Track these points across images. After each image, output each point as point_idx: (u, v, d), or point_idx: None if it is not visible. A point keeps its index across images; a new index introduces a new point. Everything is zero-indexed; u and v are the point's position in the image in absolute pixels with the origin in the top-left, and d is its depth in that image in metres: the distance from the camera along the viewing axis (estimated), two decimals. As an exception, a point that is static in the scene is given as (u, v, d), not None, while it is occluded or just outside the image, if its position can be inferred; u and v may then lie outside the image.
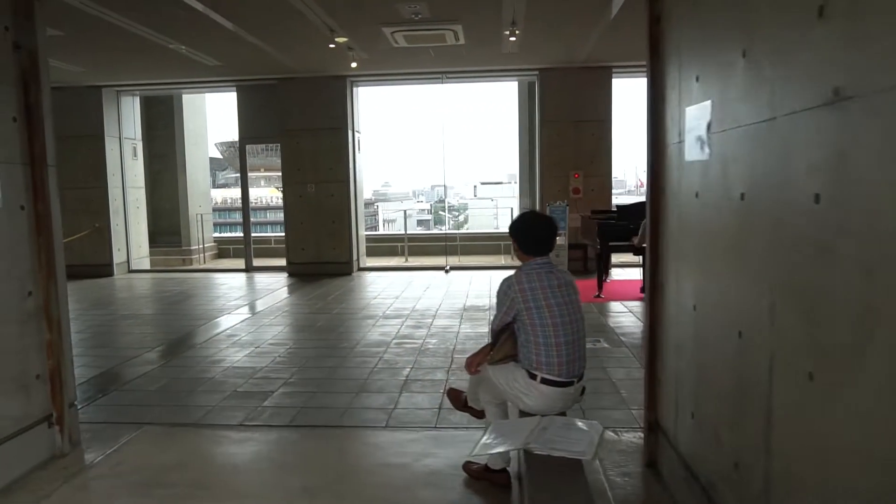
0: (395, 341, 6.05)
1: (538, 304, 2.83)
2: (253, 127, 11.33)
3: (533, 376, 2.82)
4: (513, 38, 7.75)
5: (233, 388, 4.72)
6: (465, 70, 10.72)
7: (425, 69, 10.57)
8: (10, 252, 3.27)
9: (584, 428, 2.64)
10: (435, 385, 4.69)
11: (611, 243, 7.89)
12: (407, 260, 13.54)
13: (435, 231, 15.89)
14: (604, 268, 8.25)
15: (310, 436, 3.83)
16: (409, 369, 5.12)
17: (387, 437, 3.78)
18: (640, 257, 8.27)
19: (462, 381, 4.62)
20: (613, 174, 10.74)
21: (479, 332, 6.37)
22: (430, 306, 7.78)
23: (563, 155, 10.52)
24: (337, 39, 7.76)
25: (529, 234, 3.01)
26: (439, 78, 10.90)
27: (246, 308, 8.08)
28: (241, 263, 12.25)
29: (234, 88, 11.23)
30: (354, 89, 11.10)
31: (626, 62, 10.19)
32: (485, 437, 2.70)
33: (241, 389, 4.69)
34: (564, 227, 7.53)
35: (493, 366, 2.99)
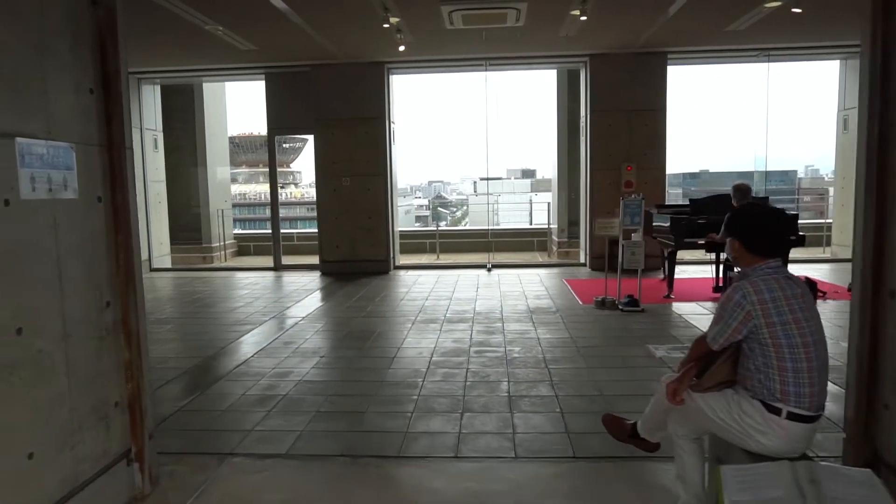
0: (473, 349, 5.46)
1: (783, 318, 2.23)
2: (283, 117, 10.70)
3: (775, 410, 2.22)
4: (583, 18, 7.14)
5: (314, 407, 4.13)
6: (511, 56, 10.11)
7: (469, 55, 9.95)
8: (87, 253, 2.66)
9: (859, 478, 2.05)
10: (546, 403, 4.10)
11: (686, 240, 7.30)
12: (438, 257, 12.96)
13: (465, 227, 15.27)
14: (673, 266, 7.66)
15: (437, 470, 3.22)
16: (506, 383, 4.53)
17: (525, 470, 3.18)
18: (713, 254, 7.69)
19: (576, 397, 4.09)
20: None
21: (561, 337, 5.79)
22: (490, 308, 7.19)
23: (614, 146, 9.93)
24: (391, 19, 7.13)
25: (760, 231, 2.40)
26: (482, 65, 10.28)
27: (291, 310, 7.47)
28: (265, 261, 11.64)
29: (263, 76, 10.59)
30: (391, 77, 10.49)
31: (682, 47, 9.59)
32: (727, 494, 2.10)
33: (324, 410, 4.09)
34: (640, 222, 6.94)
35: (703, 394, 2.40)
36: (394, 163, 10.66)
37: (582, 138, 10.63)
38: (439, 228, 13.63)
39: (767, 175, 13.12)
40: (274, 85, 10.64)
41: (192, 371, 5.09)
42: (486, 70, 10.39)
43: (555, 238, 12.84)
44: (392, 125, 10.55)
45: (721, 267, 7.69)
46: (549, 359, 5.12)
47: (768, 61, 10.02)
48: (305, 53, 9.29)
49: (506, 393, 4.32)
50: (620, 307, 6.95)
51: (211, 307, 7.94)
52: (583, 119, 10.48)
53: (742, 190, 6.83)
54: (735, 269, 6.97)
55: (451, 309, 7.20)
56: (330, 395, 4.40)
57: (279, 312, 7.33)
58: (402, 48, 8.35)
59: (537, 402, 4.12)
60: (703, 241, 7.24)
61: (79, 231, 2.61)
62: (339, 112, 10.13)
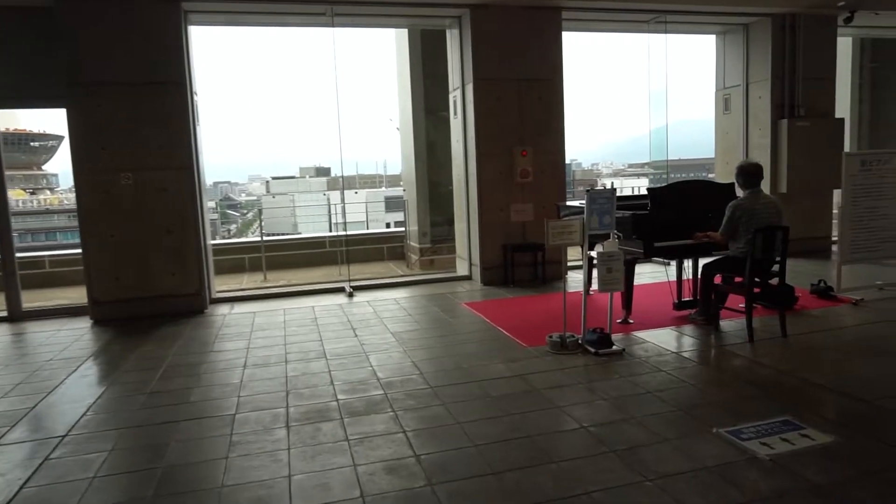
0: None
1: None
2: (10, 80, 6.77)
3: None
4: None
5: None
6: (363, 3, 7.40)
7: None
8: None
9: None
10: None
11: (657, 245, 5.33)
12: (266, 278, 9.78)
13: (298, 236, 12.11)
14: (632, 280, 5.67)
15: None
16: None
17: None
18: (674, 261, 5.87)
19: None
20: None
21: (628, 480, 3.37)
22: (407, 378, 4.53)
23: (504, 125, 7.76)
24: None
25: None
26: (323, 14, 7.42)
27: (39, 415, 4.04)
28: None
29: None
30: (188, 27, 7.16)
31: (578, 2, 7.72)
32: None
33: None
34: (613, 223, 4.80)
35: None
36: (201, 150, 7.34)
37: (455, 117, 8.32)
38: (265, 239, 10.38)
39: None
40: (-11, 28, 6.67)
41: None
42: (332, 25, 7.53)
43: (414, 244, 10.41)
44: (195, 96, 7.23)
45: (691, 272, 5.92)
46: (603, 499, 2.67)
47: (665, 31, 8.61)
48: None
49: None
50: (594, 350, 4.74)
51: None
52: (455, 92, 8.17)
53: (750, 173, 5.03)
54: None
55: (347, 405, 4.38)
56: None
57: (12, 423, 3.88)
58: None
59: None
60: (687, 243, 5.33)
61: None
62: (109, 73, 6.58)
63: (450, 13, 7.81)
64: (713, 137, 9.87)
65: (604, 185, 5.06)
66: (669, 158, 9.68)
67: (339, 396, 4.07)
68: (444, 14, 7.87)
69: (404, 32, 10.10)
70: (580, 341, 4.90)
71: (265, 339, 5.69)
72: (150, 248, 6.83)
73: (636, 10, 8.19)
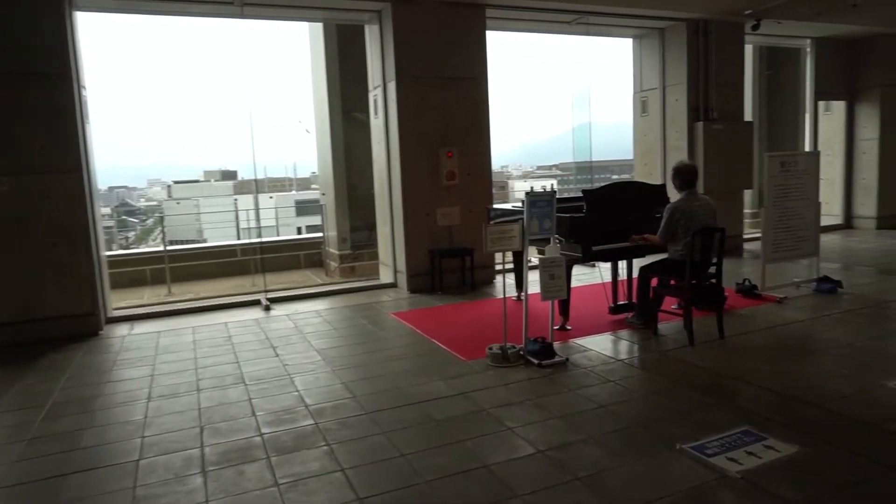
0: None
1: None
2: None
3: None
4: None
5: None
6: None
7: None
8: None
9: None
10: None
11: (595, 248, 5.16)
12: (170, 291, 8.98)
13: (204, 245, 11.19)
14: (569, 285, 5.49)
15: None
16: None
17: None
18: (609, 263, 5.76)
19: None
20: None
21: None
22: (339, 402, 4.10)
23: (428, 125, 7.43)
24: None
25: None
26: (231, 3, 6.80)
27: None
28: None
29: None
30: (73, 12, 6.35)
31: (502, 0, 7.51)
32: None
33: None
34: (553, 228, 4.56)
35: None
36: (91, 151, 6.53)
37: (375, 117, 7.91)
38: (168, 249, 9.49)
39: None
40: None
41: None
42: (242, 15, 6.92)
43: (333, 251, 9.88)
44: (83, 90, 6.41)
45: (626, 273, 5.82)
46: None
47: (587, 34, 8.59)
48: None
49: None
50: (537, 362, 4.49)
51: None
52: (376, 91, 7.76)
53: (687, 174, 4.95)
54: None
55: (273, 440, 3.88)
56: None
57: None
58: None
59: None
60: (625, 245, 5.19)
61: None
62: (-26, 61, 5.68)
63: (369, 7, 7.40)
64: (632, 139, 10.00)
65: (543, 188, 4.91)
66: (592, 159, 9.71)
67: (264, 430, 3.58)
68: (363, 8, 7.45)
69: (319, 27, 9.57)
70: (522, 352, 4.64)
71: (172, 363, 5.05)
72: (31, 264, 5.96)
73: (557, 10, 8.10)
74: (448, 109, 7.49)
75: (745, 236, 9.97)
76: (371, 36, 7.77)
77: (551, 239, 4.62)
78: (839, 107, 11.46)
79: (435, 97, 7.41)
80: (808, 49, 11.01)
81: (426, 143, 7.42)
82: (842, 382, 3.97)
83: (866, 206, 11.37)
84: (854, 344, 4.76)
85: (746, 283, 6.44)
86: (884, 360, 4.37)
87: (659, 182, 7.13)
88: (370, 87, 8.01)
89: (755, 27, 9.01)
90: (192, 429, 3.64)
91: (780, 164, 6.31)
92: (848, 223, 11.51)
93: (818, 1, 8.18)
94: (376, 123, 7.91)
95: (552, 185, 4.85)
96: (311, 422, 3.67)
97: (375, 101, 7.85)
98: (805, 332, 5.14)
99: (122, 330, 6.31)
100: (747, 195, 10.68)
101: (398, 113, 7.28)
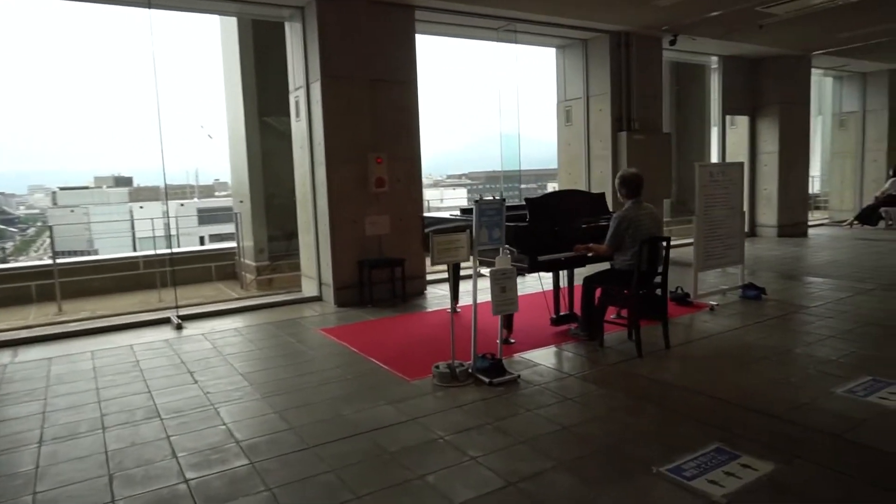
0: None
1: None
2: None
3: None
4: None
5: None
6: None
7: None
8: None
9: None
10: None
11: (541, 258, 4.96)
12: (61, 309, 8.02)
13: (100, 257, 10.08)
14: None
15: None
16: None
17: None
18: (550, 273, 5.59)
19: None
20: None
21: None
22: (276, 436, 3.62)
23: (356, 129, 7.03)
24: None
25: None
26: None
27: None
28: None
29: None
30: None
31: (430, 2, 7.26)
32: None
33: None
34: (502, 238, 4.30)
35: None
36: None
37: (297, 119, 7.42)
38: (58, 262, 8.47)
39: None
40: None
41: None
42: (138, 7, 6.24)
43: (249, 262, 9.21)
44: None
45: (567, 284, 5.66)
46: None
47: (515, 41, 8.49)
48: None
49: None
50: (488, 380, 4.22)
51: None
52: (298, 91, 7.27)
53: (634, 182, 4.84)
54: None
55: (201, 487, 3.35)
56: None
57: None
58: None
59: None
60: (568, 256, 5.02)
61: None
62: None
63: (291, 2, 6.92)
64: (556, 148, 10.02)
65: (484, 197, 4.79)
66: (518, 168, 9.64)
67: (189, 474, 3.07)
68: (284, 3, 6.95)
69: (233, 23, 8.92)
70: (470, 370, 4.35)
71: (69, 396, 4.35)
72: None
73: (485, 16, 7.94)
74: (377, 113, 7.12)
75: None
76: (293, 33, 7.28)
77: (500, 249, 4.37)
78: (743, 121, 12.08)
79: (363, 99, 7.03)
80: (717, 66, 11.54)
81: (354, 147, 7.01)
82: (794, 391, 3.97)
83: (767, 215, 12.03)
84: (793, 351, 4.82)
85: (679, 290, 6.49)
86: (823, 366, 4.44)
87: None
88: (291, 87, 7.51)
89: (672, 42, 9.29)
90: (98, 478, 3.06)
91: (710, 174, 6.42)
92: (752, 231, 12.13)
93: (729, 21, 8.53)
94: (298, 126, 7.41)
95: (501, 194, 4.60)
96: (245, 461, 3.19)
97: (297, 103, 7.36)
98: (744, 341, 5.19)
99: (3, 357, 5.45)
100: (665, 204, 11.00)
101: (323, 114, 6.83)
